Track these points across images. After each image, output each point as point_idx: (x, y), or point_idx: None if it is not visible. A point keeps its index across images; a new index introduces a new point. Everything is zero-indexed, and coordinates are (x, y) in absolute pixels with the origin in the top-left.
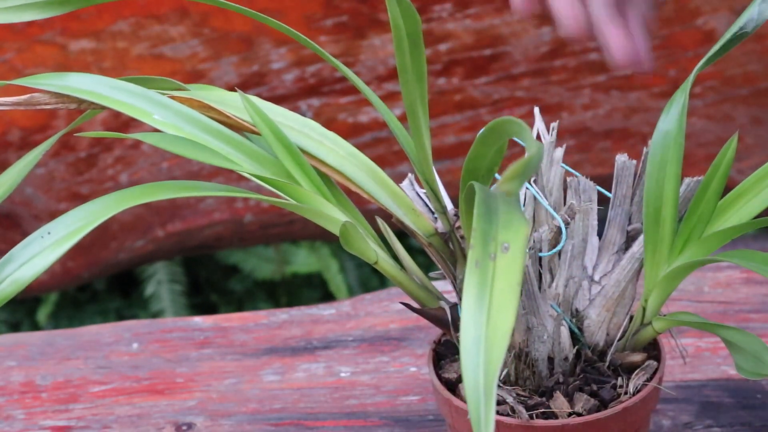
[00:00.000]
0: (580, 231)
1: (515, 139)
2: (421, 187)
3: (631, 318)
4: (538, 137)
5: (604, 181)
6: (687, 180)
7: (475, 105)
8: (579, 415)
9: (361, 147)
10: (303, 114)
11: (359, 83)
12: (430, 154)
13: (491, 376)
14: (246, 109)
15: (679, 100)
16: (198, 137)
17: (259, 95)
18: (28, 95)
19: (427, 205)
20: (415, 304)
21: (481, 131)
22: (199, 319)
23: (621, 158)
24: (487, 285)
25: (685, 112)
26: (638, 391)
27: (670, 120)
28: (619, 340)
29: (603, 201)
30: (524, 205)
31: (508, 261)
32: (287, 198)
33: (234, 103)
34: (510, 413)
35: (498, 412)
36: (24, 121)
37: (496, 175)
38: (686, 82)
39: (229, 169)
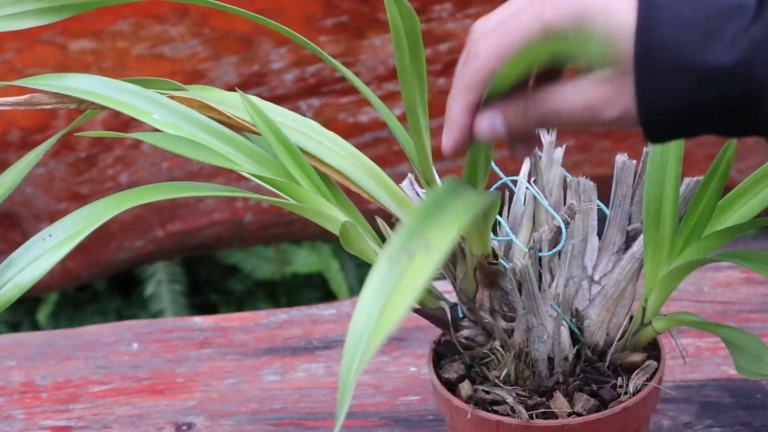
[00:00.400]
0: (580, 231)
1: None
2: (421, 187)
3: (631, 318)
4: (538, 137)
5: (604, 181)
6: (687, 180)
7: None
8: (579, 415)
9: (361, 147)
10: (303, 114)
11: (358, 83)
12: (430, 154)
13: (358, 366)
14: (246, 109)
15: None
16: (198, 137)
17: (259, 95)
18: (28, 95)
19: None
20: (415, 304)
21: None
22: (199, 319)
23: (621, 158)
24: (390, 282)
25: None
26: (638, 391)
27: None
28: (619, 340)
29: (604, 200)
30: (524, 205)
31: (422, 262)
32: (287, 198)
33: (234, 103)
34: (510, 413)
35: (498, 412)
36: (24, 121)
37: (499, 173)
38: None
39: (229, 168)
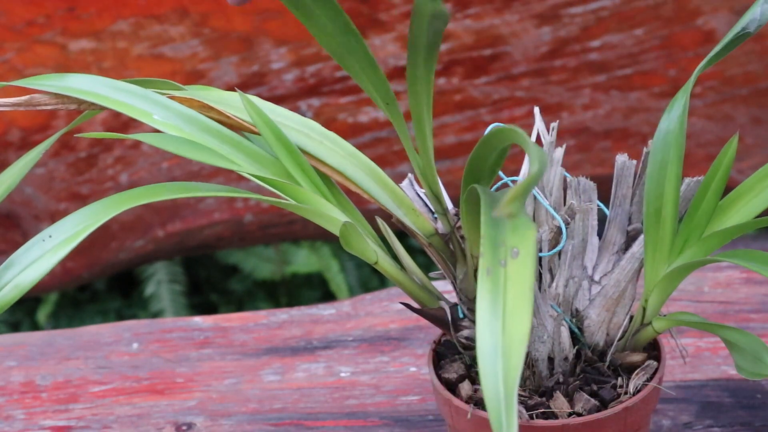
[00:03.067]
0: (580, 231)
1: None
2: (421, 187)
3: (631, 318)
4: (538, 137)
5: (604, 181)
6: (687, 180)
7: (475, 105)
8: (579, 415)
9: (361, 147)
10: (303, 114)
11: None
12: (432, 158)
13: (511, 383)
14: (246, 109)
15: (681, 100)
16: (198, 137)
17: (259, 95)
18: (28, 96)
19: (426, 205)
20: (415, 304)
21: (489, 130)
22: (199, 319)
23: (621, 158)
24: (499, 292)
25: (686, 112)
26: (638, 391)
27: (672, 120)
28: (619, 340)
29: (604, 200)
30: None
31: (518, 266)
32: (287, 198)
33: (234, 103)
34: None
35: None
36: (24, 121)
37: (500, 173)
38: (688, 82)
39: (230, 169)
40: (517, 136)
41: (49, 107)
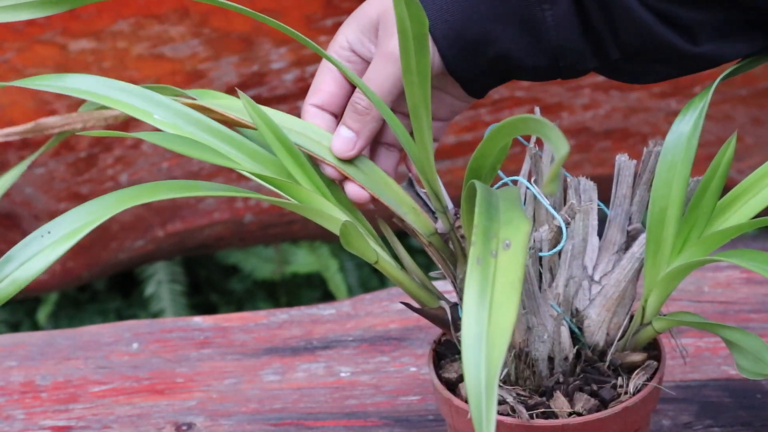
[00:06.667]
0: (581, 231)
1: (519, 138)
2: (421, 187)
3: (631, 318)
4: (539, 138)
5: (604, 181)
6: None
7: (475, 105)
8: (579, 414)
9: None
10: None
11: (362, 85)
12: (432, 154)
13: (493, 373)
14: (246, 109)
15: (698, 104)
16: (198, 137)
17: (259, 95)
18: (33, 123)
19: (427, 205)
20: (415, 304)
21: (493, 128)
22: (199, 319)
23: (621, 158)
24: (488, 282)
25: (703, 117)
26: (638, 391)
27: (686, 123)
28: (619, 339)
29: (604, 200)
30: (525, 205)
31: (509, 258)
32: (287, 198)
33: (237, 107)
34: (510, 413)
35: (498, 412)
36: (24, 121)
37: (500, 173)
38: (707, 88)
39: (230, 167)
40: (535, 123)
41: (55, 130)
